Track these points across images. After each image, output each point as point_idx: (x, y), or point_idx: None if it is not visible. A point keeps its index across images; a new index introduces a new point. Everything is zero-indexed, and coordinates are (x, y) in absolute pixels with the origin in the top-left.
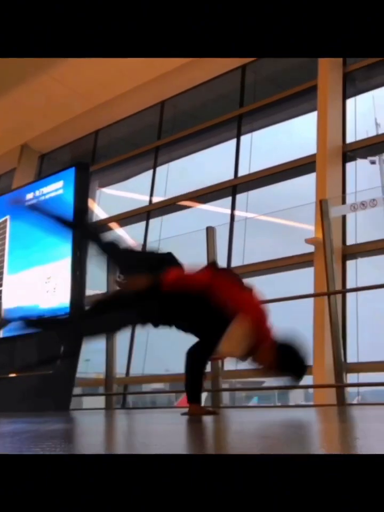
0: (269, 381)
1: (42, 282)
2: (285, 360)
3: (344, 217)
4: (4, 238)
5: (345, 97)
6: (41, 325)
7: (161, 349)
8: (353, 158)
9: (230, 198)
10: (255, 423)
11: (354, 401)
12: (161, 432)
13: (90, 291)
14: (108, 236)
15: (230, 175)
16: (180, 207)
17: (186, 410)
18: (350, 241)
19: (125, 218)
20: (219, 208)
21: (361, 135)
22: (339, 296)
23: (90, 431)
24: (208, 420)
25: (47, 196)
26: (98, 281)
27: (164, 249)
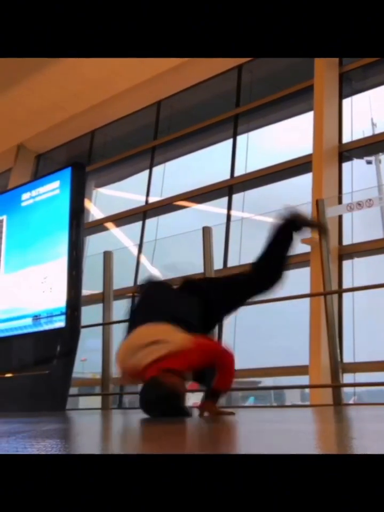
0: (266, 381)
1: (38, 282)
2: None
3: (340, 217)
4: (0, 238)
5: (341, 97)
6: None
7: None
8: (349, 158)
9: (226, 198)
10: (251, 423)
11: (351, 401)
12: (159, 432)
13: (86, 291)
14: None
15: (226, 175)
16: (176, 207)
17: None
18: (346, 241)
19: (121, 219)
20: (215, 208)
21: (358, 135)
22: (335, 296)
23: (87, 431)
24: (203, 419)
25: (44, 196)
26: (94, 282)
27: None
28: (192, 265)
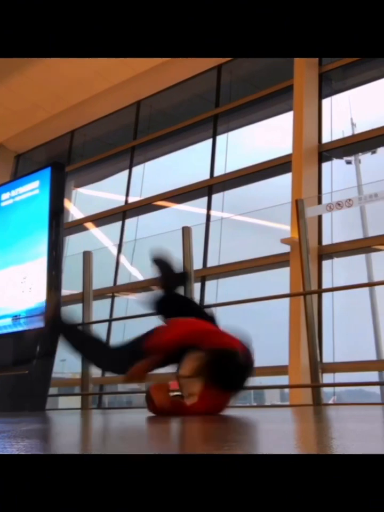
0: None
1: (18, 282)
2: (215, 371)
3: (320, 217)
4: None
5: (321, 97)
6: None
7: None
8: (329, 158)
9: (206, 198)
10: (230, 423)
11: (330, 401)
12: (137, 432)
13: (66, 291)
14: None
15: (206, 175)
16: (156, 207)
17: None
18: (326, 241)
19: (101, 218)
20: (195, 208)
21: (337, 135)
22: (315, 296)
23: (66, 431)
24: (181, 419)
25: (23, 196)
26: (74, 281)
27: None
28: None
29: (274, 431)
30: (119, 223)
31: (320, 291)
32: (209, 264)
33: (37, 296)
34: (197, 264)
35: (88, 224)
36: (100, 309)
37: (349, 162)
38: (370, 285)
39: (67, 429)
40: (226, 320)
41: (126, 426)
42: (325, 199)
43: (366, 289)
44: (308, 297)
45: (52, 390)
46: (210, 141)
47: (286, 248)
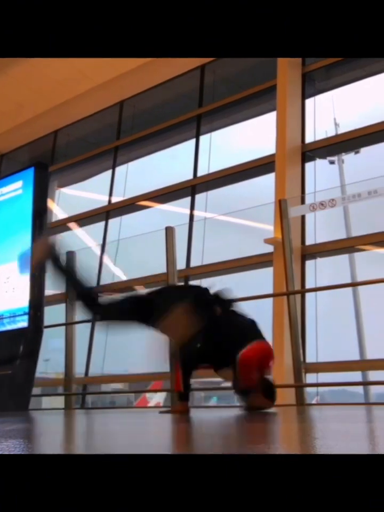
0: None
1: (1, 282)
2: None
3: (303, 217)
4: None
5: (304, 97)
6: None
7: (121, 349)
8: (312, 158)
9: (189, 198)
10: (214, 422)
11: (313, 401)
12: (123, 431)
13: (49, 291)
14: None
15: (189, 175)
16: (139, 207)
17: (166, 409)
18: (309, 241)
19: (84, 218)
20: (178, 208)
21: (321, 135)
22: (298, 296)
23: (50, 431)
24: (167, 419)
25: (6, 196)
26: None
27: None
28: (155, 265)
29: (257, 431)
30: (102, 223)
31: (303, 291)
32: (192, 264)
33: (20, 296)
34: (180, 264)
35: (72, 224)
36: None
37: (332, 162)
38: (354, 285)
39: (50, 429)
40: None
41: (109, 426)
42: (308, 199)
43: (349, 289)
44: (291, 297)
45: (35, 390)
46: (193, 141)
47: (269, 248)
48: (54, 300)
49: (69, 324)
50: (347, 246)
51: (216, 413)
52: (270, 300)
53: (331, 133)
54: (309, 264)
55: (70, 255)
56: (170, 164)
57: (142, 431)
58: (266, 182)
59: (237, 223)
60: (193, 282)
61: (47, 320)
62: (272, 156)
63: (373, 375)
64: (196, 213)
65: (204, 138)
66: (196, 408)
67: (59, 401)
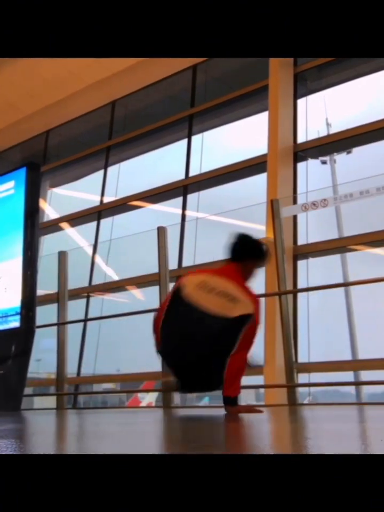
0: None
1: None
2: None
3: (295, 217)
4: None
5: (296, 97)
6: None
7: (112, 349)
8: (304, 158)
9: (181, 198)
10: (206, 422)
11: (305, 401)
12: (114, 432)
13: (41, 291)
14: None
15: (181, 175)
16: (131, 207)
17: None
18: (301, 241)
19: (76, 218)
20: (170, 208)
21: (313, 135)
22: (290, 296)
23: (42, 431)
24: (158, 419)
25: None
26: (49, 282)
27: None
28: (147, 265)
29: (249, 431)
30: (94, 223)
31: (295, 291)
32: (184, 264)
33: (12, 296)
34: (172, 264)
35: (64, 224)
36: (74, 309)
37: (324, 162)
38: (346, 285)
39: (42, 429)
40: None
41: (100, 426)
42: (300, 199)
43: (342, 289)
44: (283, 297)
45: (27, 390)
46: (185, 141)
47: None
48: (46, 299)
49: (60, 324)
50: (339, 246)
51: (208, 412)
52: (262, 300)
53: (323, 133)
54: (301, 264)
55: (62, 255)
56: (162, 164)
57: (133, 430)
58: (258, 182)
59: (228, 223)
60: None
61: (39, 320)
62: (264, 155)
63: (365, 375)
64: (187, 213)
65: (195, 138)
66: (187, 408)
67: (51, 401)
